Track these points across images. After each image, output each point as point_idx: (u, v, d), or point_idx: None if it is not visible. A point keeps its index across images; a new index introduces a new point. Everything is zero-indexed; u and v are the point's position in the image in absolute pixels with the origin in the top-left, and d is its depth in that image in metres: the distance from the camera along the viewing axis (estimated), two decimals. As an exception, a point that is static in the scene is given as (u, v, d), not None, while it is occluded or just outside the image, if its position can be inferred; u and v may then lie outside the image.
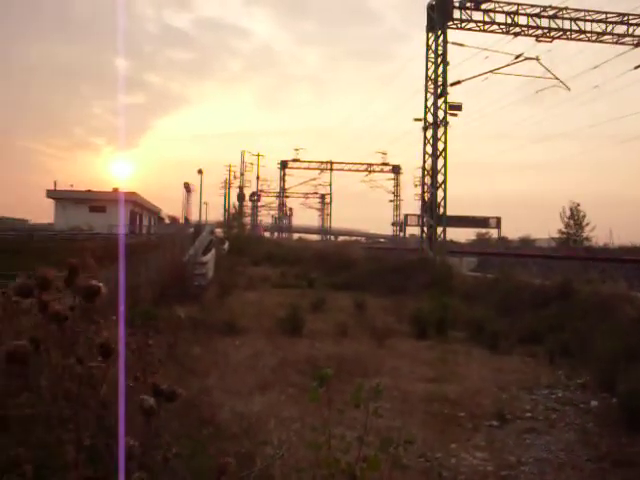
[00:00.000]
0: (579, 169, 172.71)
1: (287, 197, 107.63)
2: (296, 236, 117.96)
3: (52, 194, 79.54)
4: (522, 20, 36.70)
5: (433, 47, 36.39)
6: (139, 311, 11.68)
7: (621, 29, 37.35)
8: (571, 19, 36.91)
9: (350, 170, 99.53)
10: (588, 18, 37.06)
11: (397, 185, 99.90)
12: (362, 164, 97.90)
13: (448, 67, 36.29)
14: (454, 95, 37.03)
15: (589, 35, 37.41)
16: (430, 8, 36.29)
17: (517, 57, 36.89)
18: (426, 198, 37.12)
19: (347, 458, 3.65)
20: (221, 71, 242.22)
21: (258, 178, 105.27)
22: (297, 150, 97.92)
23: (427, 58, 36.63)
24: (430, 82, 36.42)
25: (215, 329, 14.63)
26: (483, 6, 36.11)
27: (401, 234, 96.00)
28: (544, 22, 36.89)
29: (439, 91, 36.10)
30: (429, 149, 36.31)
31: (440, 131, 36.07)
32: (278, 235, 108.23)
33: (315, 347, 13.72)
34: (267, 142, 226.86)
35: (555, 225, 71.44)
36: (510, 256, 40.99)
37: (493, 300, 19.42)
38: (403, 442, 4.10)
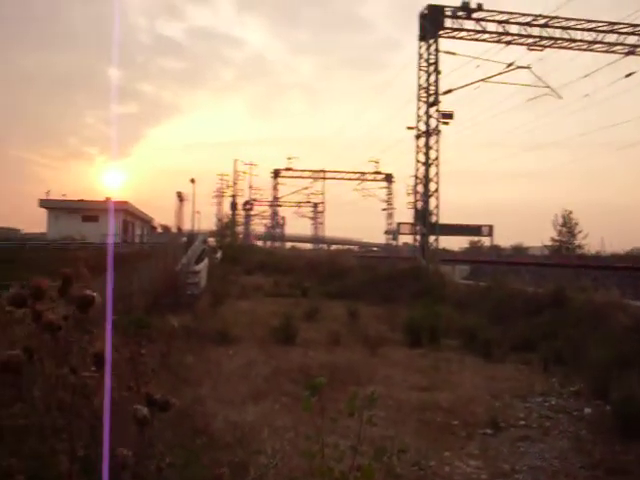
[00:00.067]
0: (571, 177, 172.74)
1: (280, 206, 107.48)
2: (289, 245, 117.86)
3: (45, 203, 79.28)
4: (513, 29, 36.86)
5: (425, 56, 36.52)
6: (132, 320, 11.66)
7: (612, 38, 37.52)
8: (562, 28, 37.05)
9: (343, 179, 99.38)
10: (579, 27, 37.22)
11: (390, 194, 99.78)
12: (355, 173, 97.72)
13: (440, 76, 36.49)
14: (446, 104, 37.18)
15: (580, 44, 37.58)
16: (422, 17, 36.42)
17: (508, 66, 37.04)
18: (419, 206, 37.15)
19: (341, 467, 3.65)
20: (214, 80, 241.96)
21: (251, 187, 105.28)
22: (290, 159, 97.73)
23: (419, 67, 36.74)
24: (422, 91, 36.52)
25: (208, 338, 14.61)
26: (474, 15, 36.23)
27: (394, 243, 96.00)
28: (535, 31, 37.04)
29: (431, 100, 36.22)
30: (421, 157, 36.41)
31: (432, 139, 36.22)
32: (271, 244, 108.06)
33: (308, 356, 13.70)
34: (260, 151, 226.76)
35: (548, 233, 71.71)
36: (503, 264, 41.07)
37: (486, 308, 19.44)
38: (397, 451, 4.11)
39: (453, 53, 36.91)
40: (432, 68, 36.33)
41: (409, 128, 38.06)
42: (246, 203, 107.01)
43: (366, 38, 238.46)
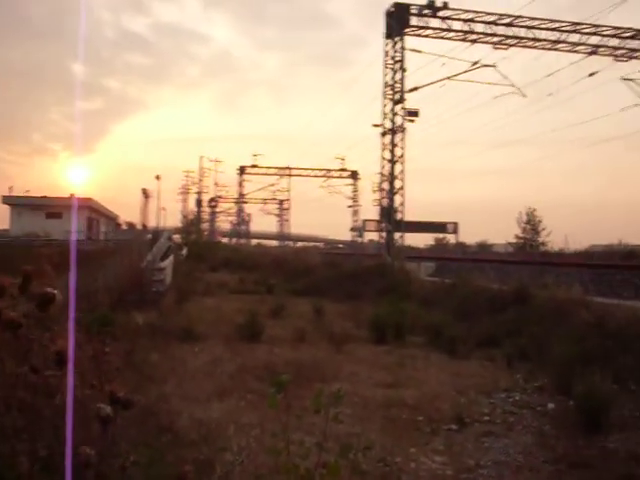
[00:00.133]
0: (538, 175, 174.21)
1: (245, 203, 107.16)
2: (255, 242, 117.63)
3: (7, 200, 78.27)
4: (479, 28, 37.15)
5: (391, 53, 36.66)
6: (96, 317, 11.56)
7: (575, 38, 37.97)
8: (526, 27, 37.41)
9: (309, 176, 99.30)
10: (543, 26, 37.61)
11: (355, 191, 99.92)
12: (321, 170, 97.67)
13: (406, 73, 36.68)
14: (412, 101, 37.37)
15: (544, 43, 37.99)
16: (388, 15, 36.51)
17: (474, 64, 37.27)
18: (384, 204, 37.24)
19: (306, 464, 3.65)
20: (179, 76, 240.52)
21: (216, 184, 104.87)
22: (256, 156, 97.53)
23: (385, 64, 36.86)
24: (388, 88, 36.65)
25: (173, 335, 14.52)
26: (440, 13, 36.42)
27: (359, 240, 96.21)
28: (500, 30, 37.36)
29: (397, 97, 36.34)
30: (387, 155, 36.54)
31: (398, 137, 36.35)
32: (237, 241, 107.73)
33: (274, 353, 13.68)
34: (226, 148, 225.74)
35: (512, 230, 72.15)
36: (468, 261, 41.38)
37: (451, 305, 19.56)
38: (362, 448, 4.11)
39: (419, 51, 37.09)
40: (398, 66, 36.46)
41: (375, 125, 38.25)
42: (211, 200, 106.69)
43: (332, 35, 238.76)
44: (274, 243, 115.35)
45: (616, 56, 38.98)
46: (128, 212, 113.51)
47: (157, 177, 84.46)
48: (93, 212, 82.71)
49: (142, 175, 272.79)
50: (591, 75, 37.94)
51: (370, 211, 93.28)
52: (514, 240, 71.82)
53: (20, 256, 23.20)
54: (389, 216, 36.12)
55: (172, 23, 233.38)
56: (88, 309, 11.82)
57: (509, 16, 36.89)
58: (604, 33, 38.09)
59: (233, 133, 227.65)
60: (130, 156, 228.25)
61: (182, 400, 9.24)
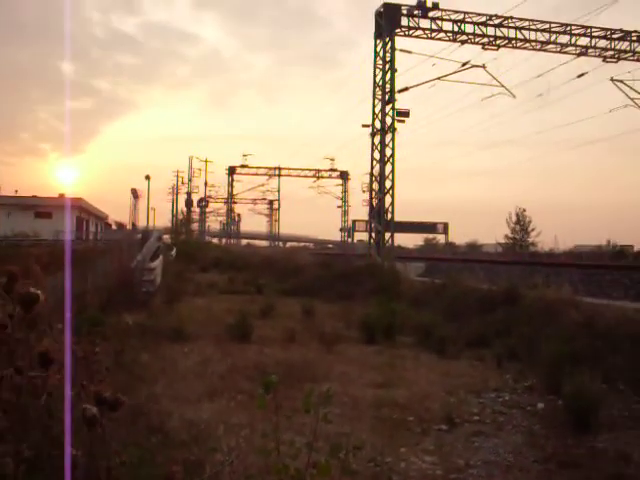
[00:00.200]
0: (527, 175, 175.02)
1: (235, 203, 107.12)
2: (244, 242, 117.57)
3: (-4, 200, 78.04)
4: (469, 28, 37.28)
5: (381, 54, 36.66)
6: (86, 318, 11.54)
7: (564, 39, 38.14)
8: (516, 28, 37.54)
9: (299, 176, 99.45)
10: (532, 27, 37.77)
11: (345, 191, 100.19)
12: (310, 170, 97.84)
13: (396, 74, 36.62)
14: (402, 102, 37.44)
15: (533, 44, 38.13)
16: (378, 15, 36.55)
17: (464, 64, 37.38)
18: (374, 204, 37.23)
19: (297, 464, 3.64)
20: (169, 76, 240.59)
21: (206, 184, 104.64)
22: (245, 156, 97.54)
23: (375, 65, 36.88)
24: (378, 89, 36.65)
25: (163, 336, 14.51)
26: (430, 14, 36.49)
27: (349, 240, 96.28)
28: (490, 30, 37.48)
29: (387, 98, 36.33)
30: (377, 155, 36.53)
31: (388, 137, 36.36)
32: (226, 241, 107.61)
33: (264, 353, 13.66)
34: (216, 148, 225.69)
35: (502, 230, 72.39)
36: (457, 261, 41.46)
37: (441, 305, 19.56)
38: (352, 448, 4.11)
39: (409, 51, 37.17)
40: (388, 66, 36.45)
41: (365, 126, 38.28)
42: (201, 200, 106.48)
43: (322, 35, 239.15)
44: (264, 243, 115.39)
45: (605, 57, 39.20)
46: (118, 212, 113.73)
47: (147, 177, 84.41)
48: (83, 212, 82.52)
49: (132, 175, 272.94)
50: (580, 76, 38.23)
51: (360, 211, 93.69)
52: (504, 240, 72.04)
53: (9, 256, 23.17)
54: (379, 216, 36.12)
55: (161, 23, 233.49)
56: (77, 310, 11.79)
57: (499, 17, 37.02)
58: (594, 34, 38.28)
59: (223, 133, 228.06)
60: (120, 156, 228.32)
61: (172, 400, 9.23)
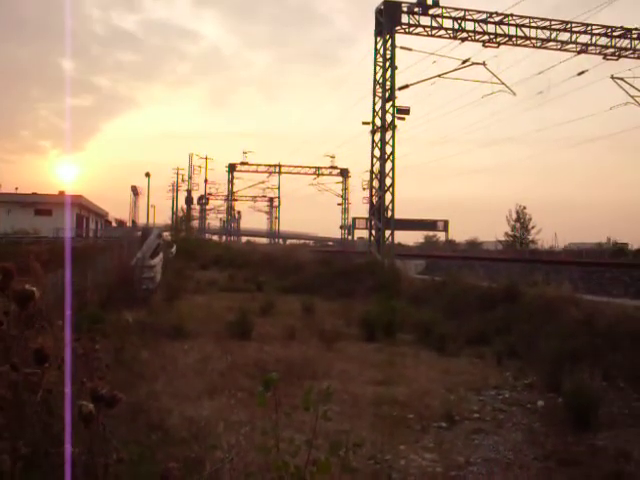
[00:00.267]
0: (527, 173, 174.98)
1: (235, 200, 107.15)
2: (244, 239, 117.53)
3: (-4, 197, 78.08)
4: (469, 26, 37.22)
5: (381, 51, 36.57)
6: (86, 315, 11.54)
7: (564, 36, 38.13)
8: (516, 25, 37.48)
9: (299, 173, 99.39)
10: (533, 25, 37.72)
11: (345, 188, 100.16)
12: (310, 167, 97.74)
13: (396, 71, 36.50)
14: (402, 99, 37.33)
15: (534, 41, 38.08)
16: (378, 12, 36.49)
17: (464, 62, 37.32)
18: (374, 201, 37.20)
19: (296, 461, 3.64)
20: (170, 74, 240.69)
21: (206, 181, 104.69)
22: (245, 153, 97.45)
23: (375, 62, 36.78)
24: (378, 86, 36.57)
25: (163, 333, 14.49)
26: (431, 11, 36.44)
27: (349, 237, 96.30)
28: (490, 28, 37.42)
29: (387, 95, 36.28)
30: (377, 153, 36.47)
31: (388, 135, 36.28)
32: (226, 238, 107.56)
33: (264, 351, 13.65)
34: (216, 145, 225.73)
35: (502, 228, 72.37)
36: (457, 259, 41.39)
37: (441, 303, 19.56)
38: (352, 445, 4.11)
39: (409, 49, 37.06)
40: (388, 63, 36.35)
41: (365, 123, 38.26)
42: (202, 197, 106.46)
43: (322, 33, 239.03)
44: (264, 240, 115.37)
45: (606, 55, 39.16)
46: (118, 209, 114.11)
47: (147, 174, 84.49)
48: (83, 209, 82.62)
49: (132, 172, 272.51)
50: (580, 74, 38.19)
51: (360, 209, 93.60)
52: (504, 238, 72.03)
53: (9, 253, 23.16)
54: (379, 214, 36.08)
55: (161, 20, 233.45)
56: (78, 307, 11.80)
57: (499, 14, 36.97)
58: (594, 32, 38.24)
59: (223, 130, 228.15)
60: (120, 153, 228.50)
61: (172, 398, 9.23)
